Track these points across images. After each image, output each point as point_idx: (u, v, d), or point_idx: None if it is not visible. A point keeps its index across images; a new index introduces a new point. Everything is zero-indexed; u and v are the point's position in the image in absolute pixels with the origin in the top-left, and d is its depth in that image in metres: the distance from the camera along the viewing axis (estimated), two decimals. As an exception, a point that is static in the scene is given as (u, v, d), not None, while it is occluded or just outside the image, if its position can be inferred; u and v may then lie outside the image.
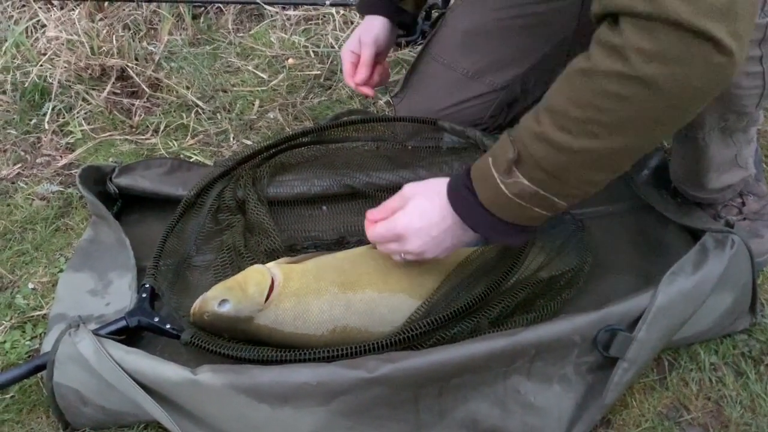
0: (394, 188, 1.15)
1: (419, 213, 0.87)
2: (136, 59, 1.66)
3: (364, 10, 1.28)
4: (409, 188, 0.90)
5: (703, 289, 0.91)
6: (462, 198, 0.83)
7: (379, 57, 1.25)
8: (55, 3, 1.76)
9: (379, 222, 0.90)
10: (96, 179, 1.23)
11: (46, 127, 1.52)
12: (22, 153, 1.47)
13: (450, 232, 0.86)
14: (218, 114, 1.55)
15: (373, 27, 1.24)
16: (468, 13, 1.29)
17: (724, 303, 0.97)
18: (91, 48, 1.62)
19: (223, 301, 0.92)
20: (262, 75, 1.65)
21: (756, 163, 1.13)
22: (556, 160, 0.74)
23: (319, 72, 1.64)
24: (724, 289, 0.95)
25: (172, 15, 1.78)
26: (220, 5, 1.85)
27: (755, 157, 1.13)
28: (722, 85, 0.69)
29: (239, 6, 1.84)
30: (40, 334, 1.07)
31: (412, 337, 0.89)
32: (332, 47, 1.70)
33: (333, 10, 1.76)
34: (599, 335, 0.88)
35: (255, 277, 0.94)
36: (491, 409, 0.88)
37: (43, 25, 1.71)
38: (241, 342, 0.93)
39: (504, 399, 0.88)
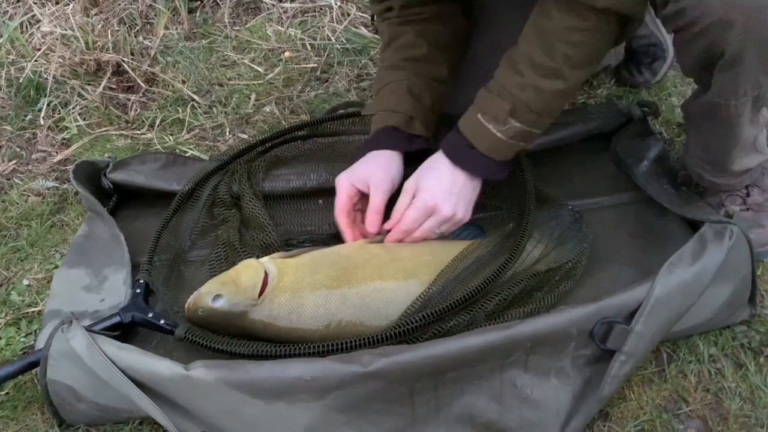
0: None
1: (435, 182, 0.99)
2: (132, 54, 1.65)
3: (374, 147, 1.08)
4: (408, 181, 1.02)
5: (701, 280, 0.90)
6: (465, 155, 0.98)
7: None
8: (50, -2, 1.75)
9: (403, 216, 1.00)
10: (90, 174, 1.22)
11: (42, 122, 1.51)
12: (18, 149, 1.46)
13: (464, 186, 0.99)
14: (214, 108, 1.54)
15: (388, 165, 1.06)
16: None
17: (722, 294, 0.95)
18: (86, 43, 1.61)
19: (217, 296, 0.92)
20: (258, 68, 1.64)
21: None
22: (542, 101, 0.93)
23: (315, 65, 1.63)
24: (723, 280, 0.94)
25: (168, 9, 1.77)
26: (216, -1, 1.84)
27: None
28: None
29: (235, -1, 1.83)
30: (35, 331, 1.07)
31: (407, 330, 0.88)
32: (329, 40, 1.69)
33: (331, 1, 1.75)
34: (596, 328, 0.87)
35: (247, 271, 0.93)
36: (488, 403, 0.87)
37: (38, 20, 1.70)
38: (235, 337, 0.93)
39: (501, 393, 0.87)
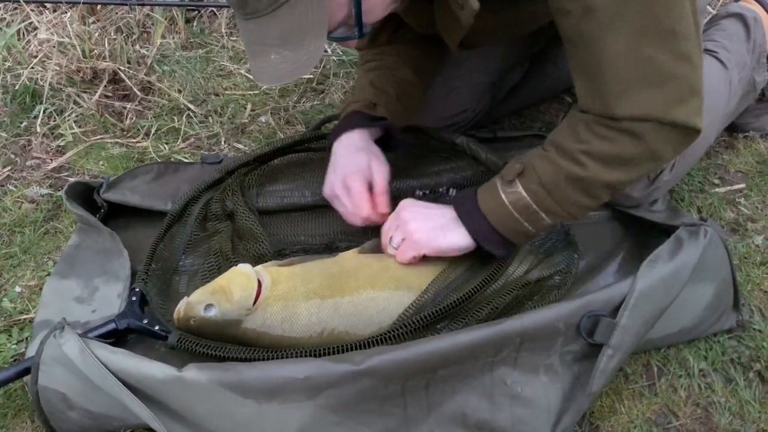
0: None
1: (422, 206, 1.00)
2: (129, 62, 1.65)
3: (339, 132, 1.09)
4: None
5: (681, 275, 0.92)
6: (465, 202, 0.95)
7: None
8: (48, 6, 1.76)
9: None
10: (83, 193, 1.21)
11: (37, 129, 1.51)
12: (12, 156, 1.46)
13: (445, 226, 0.96)
14: (210, 117, 1.54)
15: (370, 149, 1.08)
16: None
17: (705, 296, 0.98)
18: (83, 51, 1.62)
19: (209, 306, 0.92)
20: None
21: None
22: (552, 177, 0.89)
23: (311, 76, 1.64)
24: (704, 279, 0.96)
25: (165, 18, 1.77)
26: (213, 9, 1.85)
27: None
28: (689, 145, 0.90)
29: (233, 10, 1.83)
30: (27, 338, 1.06)
31: (399, 335, 0.89)
32: (325, 51, 1.70)
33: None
34: (583, 322, 0.89)
35: (240, 280, 0.93)
36: (479, 401, 0.88)
37: (35, 28, 1.71)
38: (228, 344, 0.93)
39: (491, 391, 0.88)
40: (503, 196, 0.91)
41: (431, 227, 0.96)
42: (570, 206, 0.91)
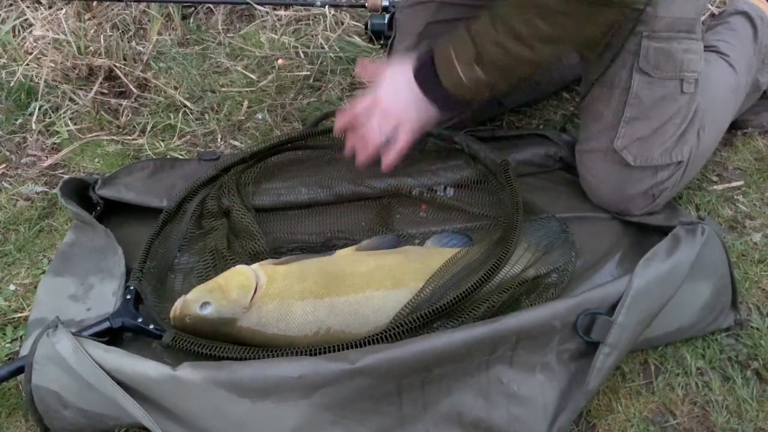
0: (380, 194, 1.16)
1: (391, 84, 1.04)
2: (124, 59, 1.64)
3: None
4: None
5: (677, 273, 0.92)
6: (429, 82, 1.02)
7: None
8: (43, 2, 1.75)
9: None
10: (78, 189, 1.21)
11: (33, 127, 1.50)
12: (7, 153, 1.45)
13: (414, 101, 1.02)
14: (206, 114, 1.54)
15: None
16: (412, 15, 1.30)
17: (703, 294, 0.98)
18: (78, 47, 1.61)
19: (205, 304, 0.91)
20: (251, 75, 1.64)
21: None
22: (507, 61, 0.97)
23: (308, 73, 1.63)
24: (701, 277, 0.96)
25: (162, 15, 1.76)
26: (210, 5, 1.84)
27: None
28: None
29: (229, 6, 1.83)
30: (21, 337, 1.06)
31: (395, 335, 0.89)
32: (322, 48, 1.69)
33: (325, 9, 1.75)
34: (579, 320, 0.89)
35: (238, 279, 0.93)
36: (475, 399, 0.87)
37: (30, 24, 1.70)
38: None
39: (487, 389, 0.88)
40: (463, 77, 0.98)
41: (404, 104, 1.03)
42: (521, 76, 1.01)
